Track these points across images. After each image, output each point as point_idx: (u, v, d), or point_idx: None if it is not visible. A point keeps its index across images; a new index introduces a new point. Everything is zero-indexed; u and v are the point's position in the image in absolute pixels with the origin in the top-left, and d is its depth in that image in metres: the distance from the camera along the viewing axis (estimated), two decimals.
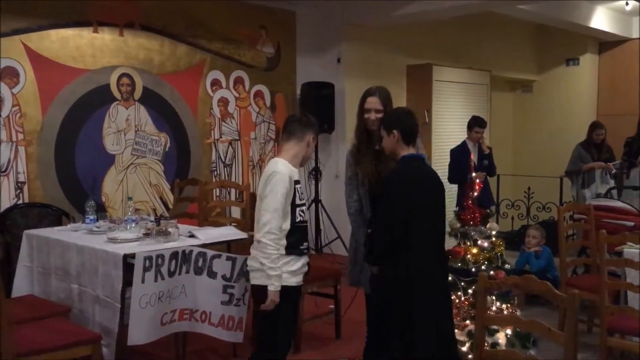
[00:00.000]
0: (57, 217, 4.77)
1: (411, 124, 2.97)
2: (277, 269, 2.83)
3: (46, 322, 3.08)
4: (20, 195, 4.73)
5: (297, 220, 2.93)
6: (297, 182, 2.97)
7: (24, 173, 4.74)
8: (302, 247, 2.97)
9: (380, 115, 3.22)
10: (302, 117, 3.15)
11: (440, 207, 3.02)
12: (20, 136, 4.71)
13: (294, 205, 2.91)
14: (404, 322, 2.79)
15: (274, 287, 2.84)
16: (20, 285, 3.91)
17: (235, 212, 5.88)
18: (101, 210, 4.64)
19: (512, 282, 2.21)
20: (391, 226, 2.81)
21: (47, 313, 3.27)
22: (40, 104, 4.81)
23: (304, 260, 2.99)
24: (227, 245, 3.80)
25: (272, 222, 2.83)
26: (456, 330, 3.98)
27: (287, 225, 2.89)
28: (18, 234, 4.18)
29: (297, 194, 2.94)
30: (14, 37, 4.64)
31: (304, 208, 3.00)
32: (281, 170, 2.89)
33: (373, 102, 3.25)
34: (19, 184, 4.72)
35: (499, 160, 6.26)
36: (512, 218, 7.81)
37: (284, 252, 2.89)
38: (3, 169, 4.64)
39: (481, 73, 7.96)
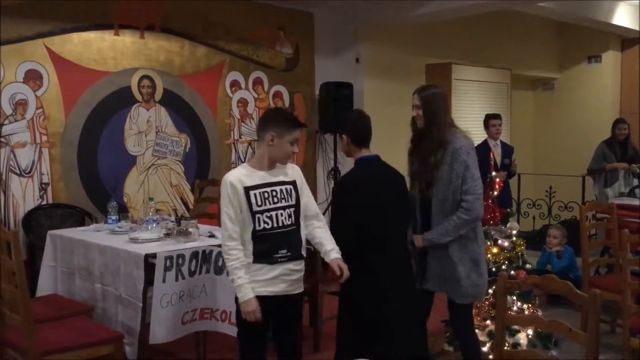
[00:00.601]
0: (80, 218, 4.84)
1: (361, 128, 3.03)
2: (237, 279, 2.69)
3: (69, 321, 3.13)
4: (44, 196, 4.80)
5: (259, 228, 2.72)
6: (254, 187, 2.72)
7: (47, 174, 4.82)
8: (276, 256, 2.74)
9: (420, 112, 3.18)
10: (264, 114, 2.94)
11: (403, 205, 3.08)
12: (44, 138, 4.79)
13: (252, 212, 2.71)
14: (367, 324, 2.92)
15: (240, 297, 2.69)
16: (45, 285, 3.98)
17: None
18: (123, 211, 4.69)
19: (532, 282, 2.19)
20: (345, 227, 2.89)
21: (70, 312, 3.32)
22: (63, 107, 4.88)
23: (281, 268, 2.75)
24: None
25: (223, 235, 2.74)
26: (477, 331, 3.97)
27: (247, 235, 2.72)
28: (42, 234, 4.26)
29: (253, 199, 2.71)
30: (37, 40, 4.71)
31: (272, 214, 2.74)
32: (224, 178, 2.75)
33: (413, 99, 3.23)
34: (43, 185, 4.80)
35: (520, 159, 6.21)
36: (534, 218, 7.74)
37: (251, 260, 2.73)
38: (27, 171, 4.72)
39: (501, 71, 7.90)
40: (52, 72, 4.80)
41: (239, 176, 2.72)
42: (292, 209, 2.79)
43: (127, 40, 5.21)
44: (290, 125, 2.76)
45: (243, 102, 6.07)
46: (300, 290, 2.87)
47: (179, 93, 5.55)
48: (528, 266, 4.04)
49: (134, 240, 3.56)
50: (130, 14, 5.19)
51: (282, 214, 2.75)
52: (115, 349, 2.95)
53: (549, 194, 7.65)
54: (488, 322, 3.91)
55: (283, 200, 2.77)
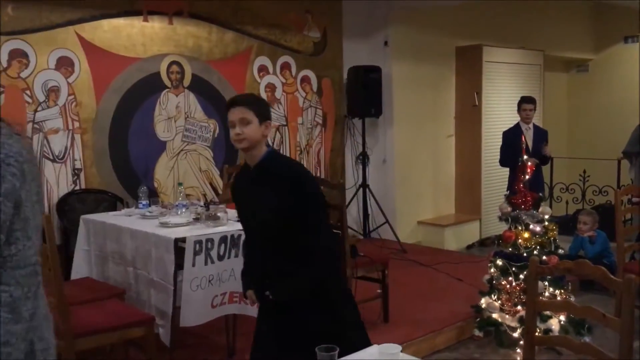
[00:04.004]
0: (112, 203, 4.92)
1: None
2: None
3: (102, 303, 3.18)
4: (77, 181, 4.89)
5: None
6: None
7: (80, 160, 4.90)
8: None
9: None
10: None
11: None
12: (76, 124, 4.86)
13: None
14: None
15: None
16: (79, 269, 4.06)
17: None
18: (153, 196, 4.76)
19: (565, 267, 2.15)
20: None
21: (103, 295, 3.38)
22: (95, 93, 4.94)
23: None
24: None
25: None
26: (507, 316, 3.93)
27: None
28: (75, 219, 4.34)
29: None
30: (68, 27, 4.77)
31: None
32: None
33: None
34: (76, 171, 4.88)
35: (553, 143, 6.08)
36: (567, 202, 7.60)
37: None
38: (61, 157, 4.80)
39: (534, 53, 7.72)
40: (83, 59, 4.86)
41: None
42: None
43: (156, 26, 5.24)
44: None
45: (271, 87, 6.06)
46: None
47: (207, 78, 5.57)
48: (560, 251, 3.98)
49: (164, 225, 3.59)
50: (159, 0, 5.21)
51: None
52: (147, 331, 2.99)
53: (582, 178, 7.49)
54: (519, 307, 3.87)
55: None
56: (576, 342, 2.10)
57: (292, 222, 2.33)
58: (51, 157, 4.75)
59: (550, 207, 7.50)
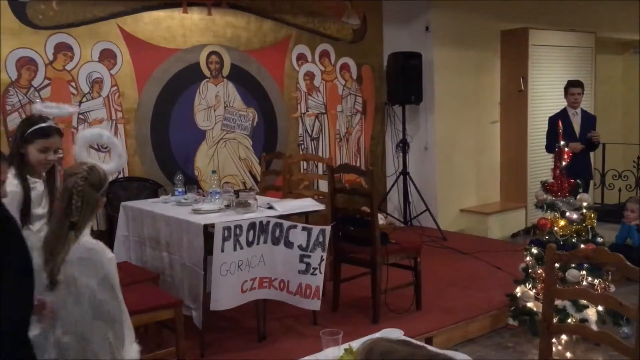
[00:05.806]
0: (154, 190, 5.05)
1: None
2: None
3: (136, 287, 3.29)
4: (121, 170, 5.05)
5: None
6: None
7: (123, 149, 5.05)
8: None
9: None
10: None
11: None
12: (119, 115, 5.03)
13: None
14: None
15: None
16: (119, 253, 4.21)
17: (323, 185, 5.94)
18: (193, 183, 4.88)
19: (582, 254, 2.09)
20: None
21: (138, 279, 3.50)
22: (137, 84, 5.09)
23: None
24: (305, 217, 3.88)
25: None
26: (542, 305, 3.84)
27: None
28: (119, 206, 4.49)
29: None
30: (110, 20, 4.93)
31: None
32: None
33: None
34: None
35: (606, 129, 5.84)
36: (619, 190, 7.32)
37: None
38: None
39: (584, 35, 7.43)
40: (125, 51, 5.01)
41: None
42: None
43: (195, 17, 5.34)
44: None
45: (310, 76, 6.08)
46: None
47: (246, 68, 5.64)
48: (599, 240, 3.84)
49: (196, 212, 3.69)
50: None
51: None
52: (175, 313, 3.08)
53: (637, 164, 7.20)
54: None
55: None
56: (593, 330, 2.04)
57: None
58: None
59: (602, 194, 7.29)
